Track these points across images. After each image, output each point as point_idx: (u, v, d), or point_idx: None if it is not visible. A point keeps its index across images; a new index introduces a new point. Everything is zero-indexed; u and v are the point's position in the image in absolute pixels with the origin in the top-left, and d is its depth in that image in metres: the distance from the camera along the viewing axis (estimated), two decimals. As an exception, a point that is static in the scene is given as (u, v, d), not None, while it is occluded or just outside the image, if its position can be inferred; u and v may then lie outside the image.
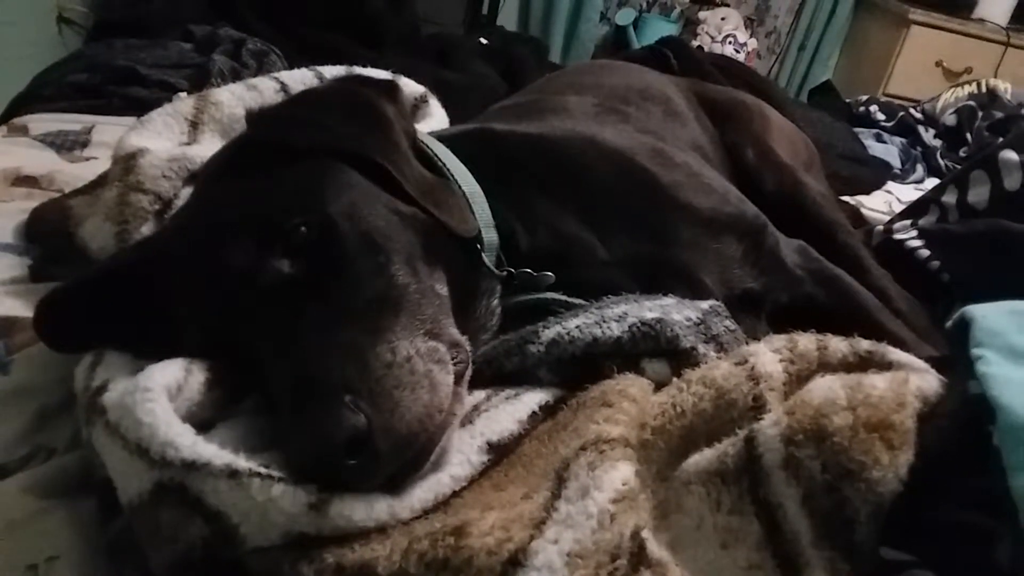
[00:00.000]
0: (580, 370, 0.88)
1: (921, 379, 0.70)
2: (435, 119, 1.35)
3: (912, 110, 2.76)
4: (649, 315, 0.88)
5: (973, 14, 4.43)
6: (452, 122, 1.38)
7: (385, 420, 0.69)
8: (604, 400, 0.80)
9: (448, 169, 1.04)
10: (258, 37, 2.25)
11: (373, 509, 0.68)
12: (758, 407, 0.74)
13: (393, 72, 1.32)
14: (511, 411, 0.83)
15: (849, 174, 2.20)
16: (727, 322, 0.93)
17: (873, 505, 0.62)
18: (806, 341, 0.81)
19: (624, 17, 4.54)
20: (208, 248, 0.84)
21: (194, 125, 1.19)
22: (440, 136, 1.13)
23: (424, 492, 0.71)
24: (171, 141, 1.16)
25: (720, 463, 0.69)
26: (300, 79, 1.29)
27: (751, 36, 4.62)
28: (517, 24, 4.43)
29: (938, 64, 4.37)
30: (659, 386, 0.85)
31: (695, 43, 4.32)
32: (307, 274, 0.82)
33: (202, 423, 0.76)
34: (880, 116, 2.77)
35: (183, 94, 1.73)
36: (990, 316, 0.72)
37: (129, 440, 0.71)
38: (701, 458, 0.71)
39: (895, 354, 0.77)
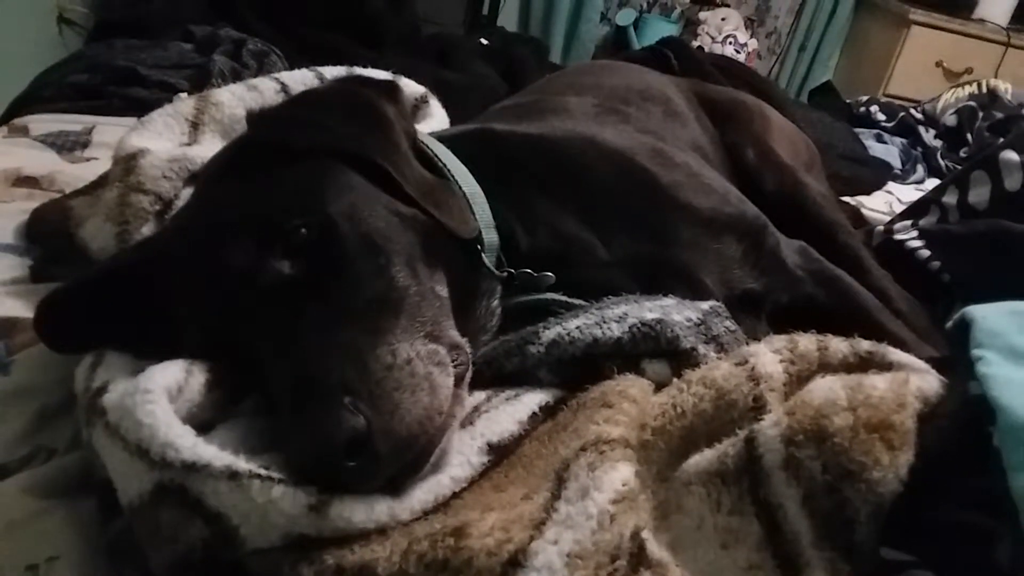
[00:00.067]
0: (580, 371, 0.88)
1: (921, 380, 0.70)
2: (435, 119, 1.35)
3: (912, 110, 2.76)
4: (649, 316, 0.88)
5: (973, 14, 4.43)
6: (452, 122, 1.38)
7: (385, 422, 0.69)
8: (604, 401, 0.80)
9: (448, 170, 1.04)
10: (258, 37, 2.24)
11: (373, 511, 0.68)
12: (758, 408, 0.74)
13: (393, 72, 1.32)
14: (511, 412, 0.83)
15: (849, 174, 2.20)
16: (727, 323, 0.93)
17: (873, 505, 0.62)
18: (806, 342, 0.81)
19: (624, 17, 4.54)
20: (208, 249, 0.84)
21: (195, 126, 1.19)
22: (440, 137, 1.13)
23: (424, 493, 0.71)
24: (172, 142, 1.16)
25: (720, 464, 0.69)
26: (301, 79, 1.29)
27: (751, 36, 4.62)
28: (517, 24, 4.43)
29: (938, 64, 4.37)
30: (659, 387, 0.85)
31: (695, 43, 4.32)
32: (307, 275, 0.82)
33: (202, 424, 0.76)
34: (880, 116, 2.77)
35: (183, 95, 1.73)
36: (990, 317, 0.72)
37: (129, 441, 0.71)
38: (701, 459, 0.71)
39: (895, 355, 0.77)
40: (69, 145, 1.65)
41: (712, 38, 4.43)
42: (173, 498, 0.68)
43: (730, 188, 1.19)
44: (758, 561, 0.65)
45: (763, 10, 4.89)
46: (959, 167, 1.89)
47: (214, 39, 2.19)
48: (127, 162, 1.08)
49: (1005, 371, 0.66)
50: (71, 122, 1.74)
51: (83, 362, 0.87)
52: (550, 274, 1.01)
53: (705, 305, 0.94)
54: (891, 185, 2.31)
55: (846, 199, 2.01)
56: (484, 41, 2.92)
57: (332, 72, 1.33)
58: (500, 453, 0.80)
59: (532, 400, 0.86)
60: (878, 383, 0.68)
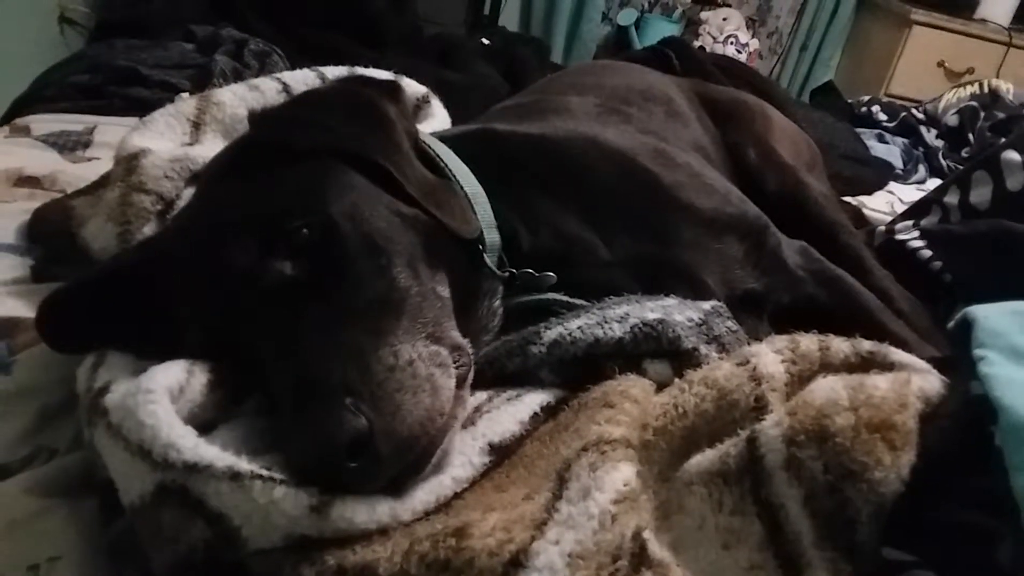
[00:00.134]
0: (582, 371, 0.88)
1: (923, 380, 0.70)
2: (437, 119, 1.35)
3: (914, 110, 2.76)
4: (651, 316, 0.88)
5: (975, 14, 4.42)
6: (454, 122, 1.38)
7: (387, 423, 0.69)
8: (606, 401, 0.80)
9: (450, 170, 1.04)
10: (259, 37, 2.24)
11: (375, 511, 0.68)
12: (760, 408, 0.74)
13: (395, 72, 1.32)
14: (512, 412, 0.83)
15: (851, 174, 2.20)
16: (729, 323, 0.93)
17: (875, 505, 0.62)
18: (808, 342, 0.81)
19: (626, 17, 4.53)
20: (210, 249, 0.84)
21: (196, 125, 1.19)
22: (442, 137, 1.13)
23: (426, 494, 0.71)
24: (173, 141, 1.16)
25: (722, 464, 0.69)
26: (302, 79, 1.29)
27: (753, 36, 4.62)
28: (519, 24, 4.43)
29: (940, 64, 4.37)
30: (661, 387, 0.85)
31: (697, 43, 4.32)
32: (309, 275, 0.82)
33: (204, 424, 0.76)
34: (882, 116, 2.77)
35: (185, 94, 1.73)
36: (992, 317, 0.72)
37: (131, 442, 0.71)
38: (703, 459, 0.71)
39: (897, 355, 0.77)
40: (71, 145, 1.65)
41: (713, 38, 4.43)
42: (175, 499, 0.68)
43: (731, 188, 1.19)
44: (759, 561, 0.64)
45: (764, 10, 4.89)
46: (961, 167, 1.89)
47: (215, 39, 2.19)
48: (129, 162, 1.08)
49: (1007, 371, 0.66)
50: (72, 122, 1.74)
51: (85, 362, 0.87)
52: (552, 274, 1.01)
53: (707, 305, 0.94)
54: (892, 185, 2.31)
55: (847, 199, 2.01)
56: (485, 41, 2.92)
57: (334, 72, 1.33)
58: (501, 453, 0.80)
59: (533, 400, 0.86)
60: (880, 383, 0.68)
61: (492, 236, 1.01)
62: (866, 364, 0.77)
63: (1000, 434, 0.62)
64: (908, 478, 0.62)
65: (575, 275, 1.01)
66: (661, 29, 4.30)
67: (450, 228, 0.94)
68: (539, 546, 0.62)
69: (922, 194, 1.72)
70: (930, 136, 2.60)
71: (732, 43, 4.42)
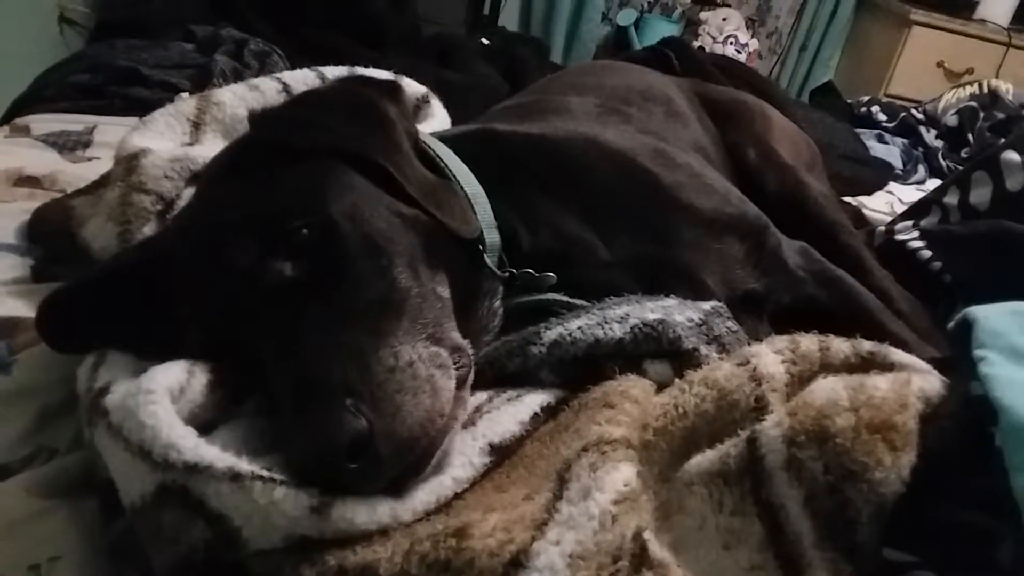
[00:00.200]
0: (582, 371, 0.88)
1: (923, 380, 0.70)
2: (437, 119, 1.35)
3: (914, 111, 2.76)
4: (651, 316, 0.88)
5: (974, 15, 4.42)
6: (454, 123, 1.38)
7: (387, 424, 0.69)
8: (606, 401, 0.80)
9: (450, 170, 1.04)
10: (259, 37, 2.24)
11: (375, 512, 0.68)
12: (760, 408, 0.74)
13: (395, 72, 1.32)
14: (513, 412, 0.83)
15: (851, 175, 2.20)
16: (729, 323, 0.93)
17: (875, 506, 0.62)
18: (808, 342, 0.81)
19: (625, 18, 4.54)
20: (210, 249, 0.84)
21: (196, 125, 1.19)
22: (442, 137, 1.13)
23: (426, 494, 0.71)
24: (173, 141, 1.16)
25: (722, 464, 0.69)
26: (302, 79, 1.29)
27: (752, 37, 4.62)
28: (518, 24, 4.43)
29: (939, 65, 4.37)
30: (661, 387, 0.85)
31: (696, 44, 4.32)
32: (309, 276, 0.82)
33: (204, 424, 0.76)
34: (881, 117, 2.77)
35: (185, 94, 1.73)
36: (992, 317, 0.72)
37: (131, 442, 0.71)
38: (703, 459, 0.71)
39: (897, 355, 0.77)
40: (71, 145, 1.65)
41: (713, 38, 4.43)
42: (175, 499, 0.68)
43: (731, 189, 1.19)
44: (760, 562, 0.64)
45: (764, 10, 4.89)
46: (960, 167, 1.90)
47: (216, 39, 2.19)
48: (129, 162, 1.08)
49: (1007, 372, 0.66)
50: (73, 122, 1.74)
51: (85, 362, 0.87)
52: (552, 274, 1.01)
53: (707, 305, 0.94)
54: (892, 185, 2.31)
55: (847, 199, 2.01)
56: (485, 41, 2.92)
57: (334, 72, 1.33)
58: (502, 454, 0.80)
59: (534, 400, 0.86)
60: (880, 384, 0.68)
61: (492, 236, 1.01)
62: (866, 364, 0.77)
63: (1000, 434, 0.62)
64: (908, 478, 0.62)
65: (575, 275, 1.01)
66: (660, 29, 4.30)
67: (450, 228, 0.94)
68: (539, 546, 0.62)
69: (922, 194, 1.72)
70: (930, 136, 2.60)
71: (732, 43, 4.42)
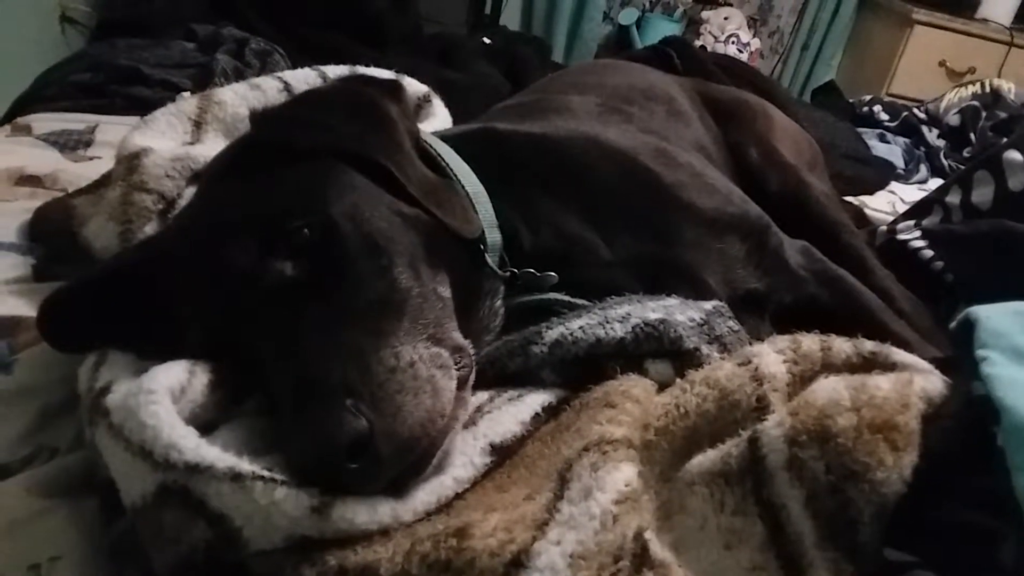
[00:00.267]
0: (583, 371, 0.88)
1: (925, 380, 0.70)
2: (438, 119, 1.35)
3: (916, 110, 2.76)
4: (652, 316, 0.88)
5: (976, 14, 4.42)
6: (455, 122, 1.38)
7: (387, 424, 0.69)
8: (607, 401, 0.80)
9: (451, 169, 1.04)
10: (260, 36, 2.25)
11: (376, 512, 0.68)
12: (762, 408, 0.74)
13: (396, 72, 1.32)
14: (514, 412, 0.83)
15: (853, 174, 2.20)
16: (730, 323, 0.93)
17: (877, 506, 0.62)
18: (810, 342, 0.81)
19: (627, 17, 4.53)
20: (211, 248, 0.84)
21: (197, 125, 1.19)
22: (443, 136, 1.13)
23: (427, 494, 0.71)
24: (174, 141, 1.16)
25: (723, 464, 0.69)
26: (303, 79, 1.29)
27: (754, 36, 4.62)
28: (520, 24, 4.43)
29: (941, 64, 4.37)
30: (662, 387, 0.85)
31: (698, 43, 4.32)
32: (309, 276, 0.82)
33: (205, 424, 0.76)
34: (883, 116, 2.76)
35: (186, 94, 1.73)
36: (994, 317, 0.72)
37: (132, 442, 0.71)
38: (704, 459, 0.71)
39: (899, 355, 0.77)
40: (72, 144, 1.65)
41: (715, 37, 4.43)
42: (176, 499, 0.68)
43: (733, 188, 1.19)
44: (761, 562, 0.64)
45: (766, 9, 4.89)
46: (962, 167, 1.89)
47: (217, 38, 2.19)
48: (130, 161, 1.08)
49: (1009, 371, 0.66)
50: (74, 121, 1.75)
51: (86, 362, 0.87)
52: (553, 274, 1.01)
53: (708, 305, 0.94)
54: (894, 185, 2.30)
55: (849, 199, 2.00)
56: (487, 40, 2.92)
57: (335, 71, 1.33)
58: (503, 454, 0.80)
59: (535, 400, 0.86)
60: (882, 383, 0.68)
61: (493, 236, 1.01)
62: (868, 364, 0.77)
63: (1002, 434, 0.62)
64: (910, 478, 0.62)
65: (576, 275, 1.01)
66: (662, 28, 4.30)
67: (451, 228, 0.94)
68: (540, 546, 0.62)
69: (923, 194, 1.72)
70: (931, 136, 2.60)
71: (733, 42, 4.42)
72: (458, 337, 0.85)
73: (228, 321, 0.82)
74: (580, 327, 0.88)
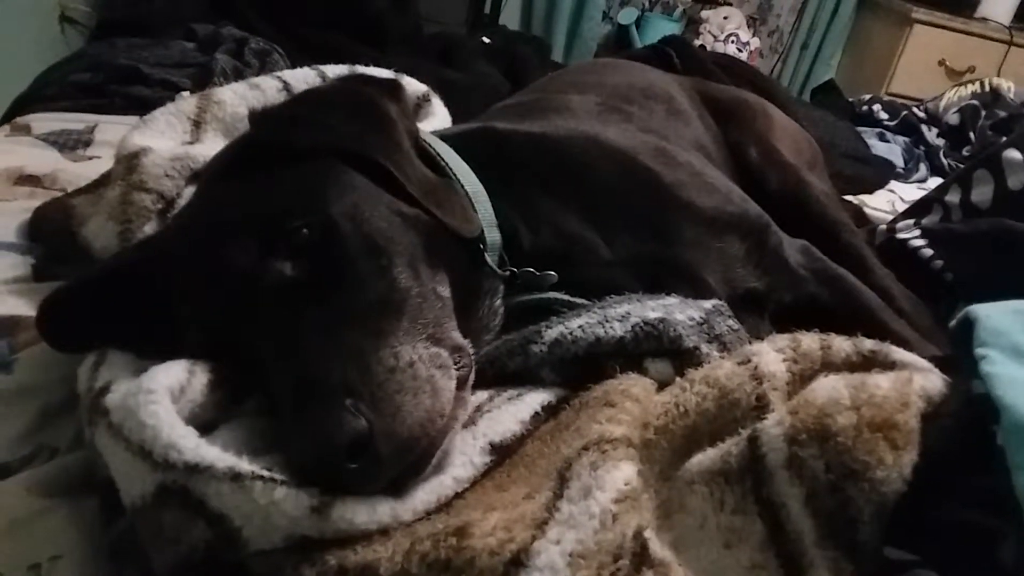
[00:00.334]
0: (583, 370, 0.88)
1: (925, 379, 0.70)
2: (438, 118, 1.35)
3: (915, 109, 2.76)
4: (652, 315, 0.88)
5: (976, 13, 4.42)
6: (455, 121, 1.38)
7: (387, 424, 0.69)
8: (607, 400, 0.80)
9: (451, 168, 1.04)
10: (260, 36, 2.25)
11: (376, 512, 0.68)
12: (761, 407, 0.74)
13: (395, 71, 1.32)
14: (513, 411, 0.83)
15: (852, 173, 2.20)
16: (730, 322, 0.93)
17: (877, 505, 0.62)
18: (809, 341, 0.81)
19: (626, 16, 4.53)
20: (210, 248, 0.84)
21: (197, 124, 1.19)
22: (443, 135, 1.13)
23: (426, 494, 0.71)
24: (174, 140, 1.16)
25: (723, 463, 0.69)
26: (303, 78, 1.29)
27: (754, 35, 4.62)
28: (519, 23, 4.43)
29: (941, 63, 4.37)
30: (662, 386, 0.85)
31: (697, 42, 4.32)
32: (309, 276, 0.81)
33: (204, 424, 0.76)
34: (883, 115, 2.76)
35: (186, 93, 1.73)
36: (994, 316, 0.72)
37: (132, 442, 0.70)
38: (704, 458, 0.71)
39: (899, 354, 0.77)
40: (71, 144, 1.65)
41: (714, 37, 4.43)
42: (176, 499, 0.68)
43: (733, 187, 1.19)
44: (761, 561, 0.64)
45: (765, 8, 4.89)
46: (962, 166, 1.89)
47: (216, 38, 2.19)
48: (129, 160, 1.08)
49: (1009, 370, 0.65)
50: (73, 121, 1.75)
51: (85, 361, 0.87)
52: (553, 273, 1.01)
53: (708, 304, 0.94)
54: (894, 184, 2.31)
55: (849, 198, 2.00)
56: (486, 40, 2.92)
57: (334, 71, 1.33)
58: (502, 453, 0.80)
59: (534, 399, 0.86)
60: (882, 382, 0.68)
61: (493, 235, 1.01)
62: (868, 363, 0.77)
63: (1002, 433, 0.62)
64: (910, 477, 0.62)
65: (576, 274, 1.01)
66: (662, 28, 4.30)
67: (451, 227, 0.94)
68: (540, 545, 0.62)
69: (923, 193, 1.72)
70: (931, 135, 2.60)
71: (733, 42, 4.42)
72: (457, 337, 0.84)
73: (228, 321, 0.82)
74: (580, 326, 0.88)
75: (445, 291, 0.89)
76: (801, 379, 0.77)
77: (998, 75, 3.01)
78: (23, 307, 1.09)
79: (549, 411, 0.86)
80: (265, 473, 0.67)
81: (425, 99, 1.36)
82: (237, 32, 2.24)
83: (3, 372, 1.00)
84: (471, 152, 1.07)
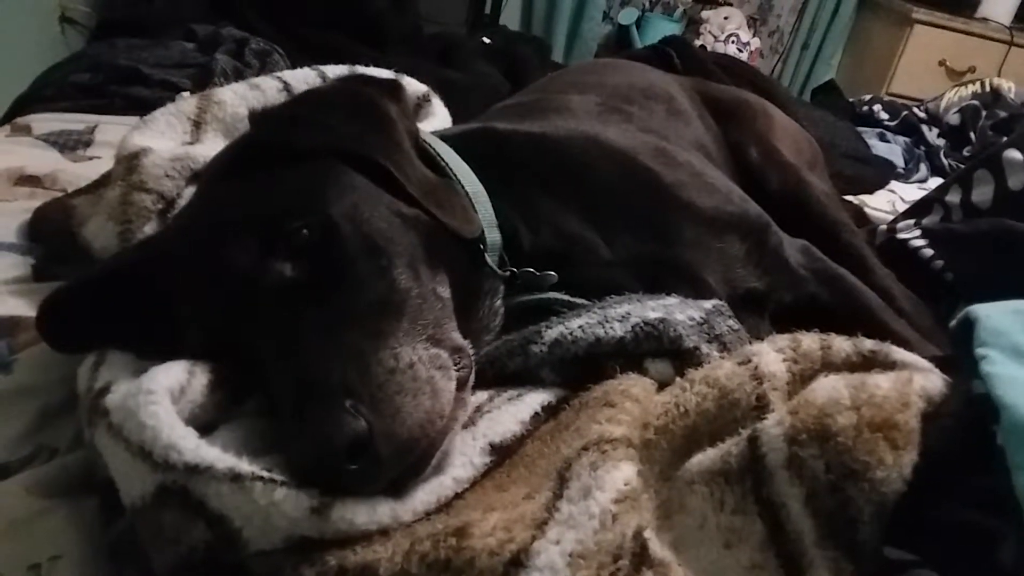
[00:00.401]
0: (583, 370, 0.88)
1: (925, 379, 0.70)
2: (438, 118, 1.35)
3: (915, 109, 2.76)
4: (652, 315, 0.88)
5: (976, 13, 4.42)
6: (455, 122, 1.38)
7: (387, 425, 0.69)
8: (607, 400, 0.80)
9: (451, 169, 1.04)
10: (260, 36, 2.25)
11: (375, 512, 0.68)
12: (761, 407, 0.74)
13: (395, 71, 1.32)
14: (513, 412, 0.83)
15: (852, 173, 2.20)
16: (730, 322, 0.93)
17: (877, 505, 0.62)
18: (809, 341, 0.80)
19: (627, 16, 4.54)
20: (210, 249, 0.84)
21: (197, 124, 1.19)
22: (443, 135, 1.13)
23: (426, 494, 0.71)
24: (174, 140, 1.16)
25: (723, 463, 0.69)
26: (303, 78, 1.29)
27: (754, 35, 4.62)
28: (520, 23, 4.43)
29: (941, 63, 4.37)
30: (662, 386, 0.85)
31: (698, 42, 4.32)
32: (309, 276, 0.81)
33: (204, 425, 0.76)
34: (883, 115, 2.76)
35: (186, 94, 1.73)
36: (994, 316, 0.72)
37: (132, 442, 0.70)
38: (704, 458, 0.71)
39: (899, 354, 0.77)
40: (71, 144, 1.65)
41: (715, 37, 4.43)
42: (175, 500, 0.68)
43: (733, 187, 1.19)
44: (761, 561, 0.64)
45: (766, 9, 4.89)
46: (962, 166, 1.89)
47: (216, 38, 2.19)
48: (129, 161, 1.08)
49: (1009, 370, 0.65)
50: (73, 121, 1.74)
51: (85, 362, 0.87)
52: (553, 273, 1.01)
53: (708, 304, 0.94)
54: (894, 184, 2.30)
55: (849, 198, 2.00)
56: (486, 40, 2.92)
57: (334, 71, 1.33)
58: (502, 453, 0.80)
59: (534, 400, 0.86)
60: (882, 382, 0.68)
61: (493, 235, 1.01)
62: (868, 363, 0.77)
63: (1002, 433, 0.62)
64: (910, 477, 0.62)
65: (576, 274, 1.01)
66: (662, 28, 4.30)
67: (451, 228, 0.94)
68: (540, 546, 0.62)
69: (923, 193, 1.72)
70: (931, 135, 2.60)
71: (733, 42, 4.42)
72: (457, 338, 0.84)
73: (228, 321, 0.82)
74: (580, 326, 0.88)
75: (445, 292, 0.89)
76: (801, 379, 0.77)
77: (999, 75, 3.01)
78: (23, 307, 1.09)
79: (549, 411, 0.86)
80: (265, 474, 0.67)
81: (425, 99, 1.36)
82: (237, 32, 2.24)
83: (3, 372, 1.00)
84: (471, 152, 1.07)
